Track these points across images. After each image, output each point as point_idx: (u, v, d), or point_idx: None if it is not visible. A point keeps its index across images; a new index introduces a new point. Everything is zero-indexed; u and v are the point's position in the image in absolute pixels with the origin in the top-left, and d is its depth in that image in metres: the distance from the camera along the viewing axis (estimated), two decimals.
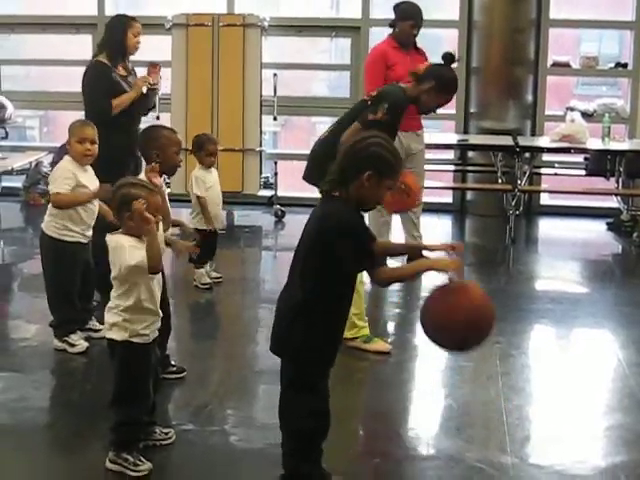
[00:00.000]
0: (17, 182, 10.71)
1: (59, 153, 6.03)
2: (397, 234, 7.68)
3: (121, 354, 4.01)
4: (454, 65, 5.66)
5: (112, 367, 4.09)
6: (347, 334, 5.69)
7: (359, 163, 3.55)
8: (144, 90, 6.57)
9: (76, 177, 5.43)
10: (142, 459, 4.03)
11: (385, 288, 5.84)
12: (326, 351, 3.70)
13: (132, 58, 6.73)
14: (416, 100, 5.53)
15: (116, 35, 6.58)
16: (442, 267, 3.59)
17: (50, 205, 5.56)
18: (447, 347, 3.83)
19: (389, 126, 5.38)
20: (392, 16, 7.52)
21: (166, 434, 4.33)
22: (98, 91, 6.46)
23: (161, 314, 4.13)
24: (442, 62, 5.61)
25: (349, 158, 3.60)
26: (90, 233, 5.61)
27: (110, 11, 10.66)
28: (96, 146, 5.52)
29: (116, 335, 3.99)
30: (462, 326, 3.53)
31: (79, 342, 5.61)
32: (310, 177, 5.42)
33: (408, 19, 7.36)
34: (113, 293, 4.01)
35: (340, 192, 3.59)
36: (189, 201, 7.11)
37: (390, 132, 5.48)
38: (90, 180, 5.53)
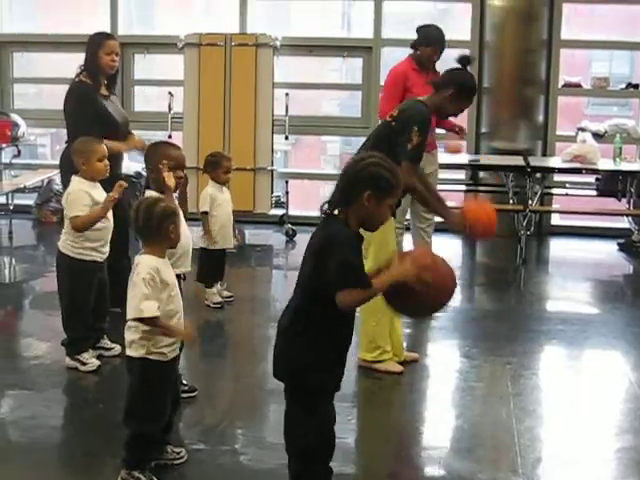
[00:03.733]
0: (29, 200, 10.74)
1: (66, 173, 5.99)
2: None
3: (138, 370, 4.03)
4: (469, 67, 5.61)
5: (128, 383, 4.11)
6: (368, 356, 5.71)
7: (358, 184, 3.53)
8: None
9: (91, 196, 5.46)
10: (154, 478, 4.04)
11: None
12: (323, 373, 3.67)
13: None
14: (437, 108, 5.52)
15: (88, 54, 6.49)
16: (403, 278, 3.53)
17: (66, 224, 5.56)
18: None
19: (421, 144, 5.41)
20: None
21: (178, 453, 4.34)
22: (83, 116, 6.33)
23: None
24: (458, 66, 5.60)
25: (348, 179, 3.58)
26: (107, 249, 5.63)
27: (123, 30, 10.74)
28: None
29: (134, 352, 4.02)
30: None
31: (91, 360, 5.62)
32: None
33: (432, 44, 7.29)
34: None
35: (341, 213, 3.58)
36: (199, 219, 7.11)
37: (421, 150, 5.51)
38: (102, 195, 5.56)
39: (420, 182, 5.51)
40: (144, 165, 5.18)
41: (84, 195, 5.45)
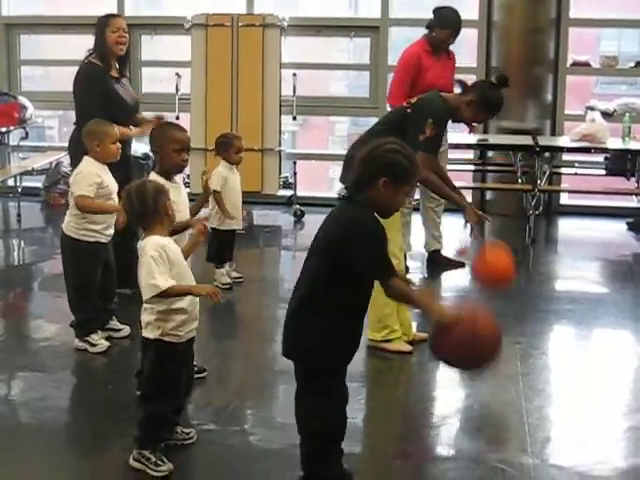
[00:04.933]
0: (37, 182, 10.74)
1: (75, 155, 6.01)
2: (419, 233, 7.69)
3: (153, 352, 4.05)
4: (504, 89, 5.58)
5: (145, 365, 4.13)
6: (377, 336, 5.70)
7: (375, 169, 3.54)
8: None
9: (100, 177, 5.46)
10: (164, 459, 4.05)
11: None
12: (334, 353, 3.68)
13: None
14: (454, 110, 5.50)
15: (97, 35, 6.48)
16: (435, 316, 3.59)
17: (71, 205, 5.57)
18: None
19: (436, 137, 5.39)
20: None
21: (187, 434, 4.35)
22: (92, 97, 6.31)
23: (197, 315, 4.16)
24: (495, 81, 5.60)
25: (366, 164, 3.58)
26: (111, 232, 5.63)
27: (130, 11, 10.71)
28: None
29: (149, 334, 4.04)
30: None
31: (100, 342, 5.63)
32: (345, 179, 5.40)
33: (448, 27, 7.23)
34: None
35: (358, 198, 3.59)
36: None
37: (437, 143, 5.49)
38: (110, 178, 5.57)
39: (437, 174, 5.50)
40: (150, 146, 5.19)
41: (92, 175, 5.46)
